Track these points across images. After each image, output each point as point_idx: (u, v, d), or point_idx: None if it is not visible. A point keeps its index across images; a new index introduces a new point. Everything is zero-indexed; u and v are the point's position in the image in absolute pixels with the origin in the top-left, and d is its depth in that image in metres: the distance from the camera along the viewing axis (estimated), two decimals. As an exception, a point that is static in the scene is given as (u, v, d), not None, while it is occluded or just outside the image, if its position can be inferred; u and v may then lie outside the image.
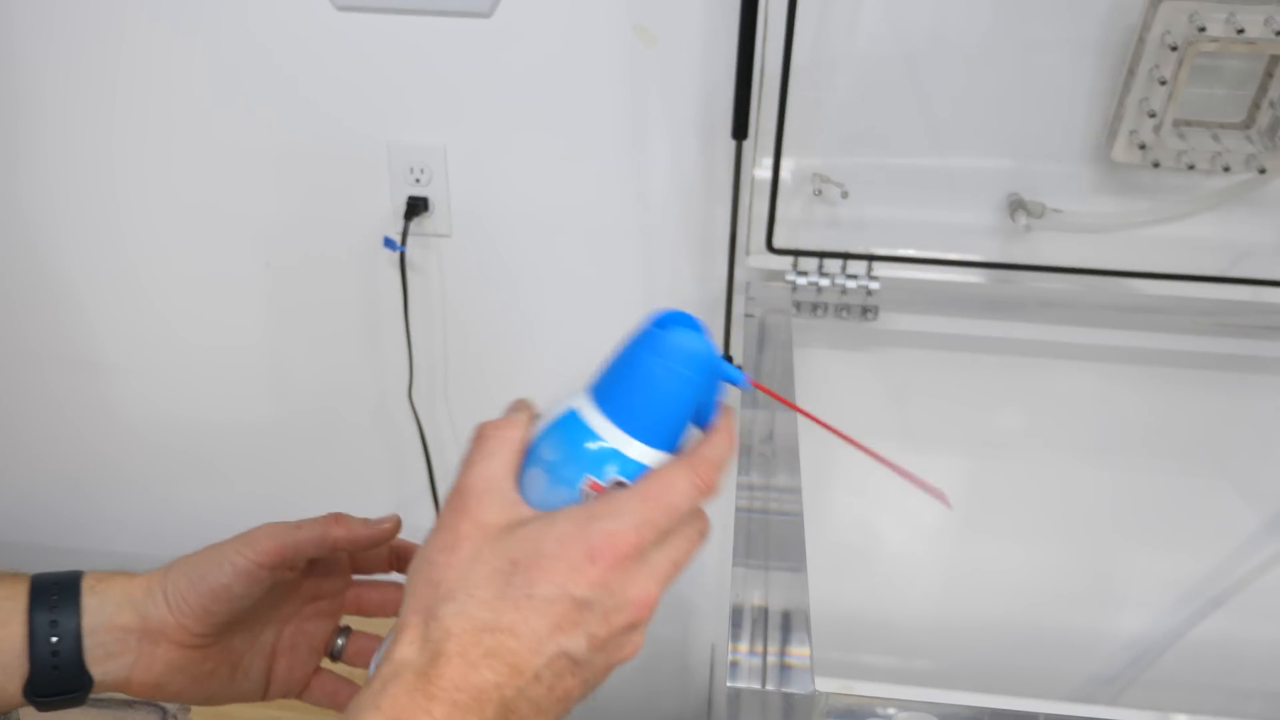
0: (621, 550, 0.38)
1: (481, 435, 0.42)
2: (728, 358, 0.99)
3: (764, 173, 0.89)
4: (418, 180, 0.99)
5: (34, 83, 1.00)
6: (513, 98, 0.94)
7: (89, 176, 1.05)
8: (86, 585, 0.50)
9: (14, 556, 1.37)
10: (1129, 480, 1.02)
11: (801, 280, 0.92)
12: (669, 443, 0.42)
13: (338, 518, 0.53)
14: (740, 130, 0.85)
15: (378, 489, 1.23)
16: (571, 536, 0.38)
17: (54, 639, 0.49)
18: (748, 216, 0.91)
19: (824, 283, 0.92)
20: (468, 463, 0.42)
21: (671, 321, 0.42)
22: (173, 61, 0.97)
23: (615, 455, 0.41)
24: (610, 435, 0.41)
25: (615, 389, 0.42)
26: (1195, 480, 1.01)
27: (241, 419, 1.19)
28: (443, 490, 1.17)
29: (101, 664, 0.50)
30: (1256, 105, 0.82)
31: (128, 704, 0.89)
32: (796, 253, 0.92)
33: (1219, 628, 1.04)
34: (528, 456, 0.42)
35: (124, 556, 1.33)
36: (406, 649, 0.38)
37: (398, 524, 0.54)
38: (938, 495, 0.45)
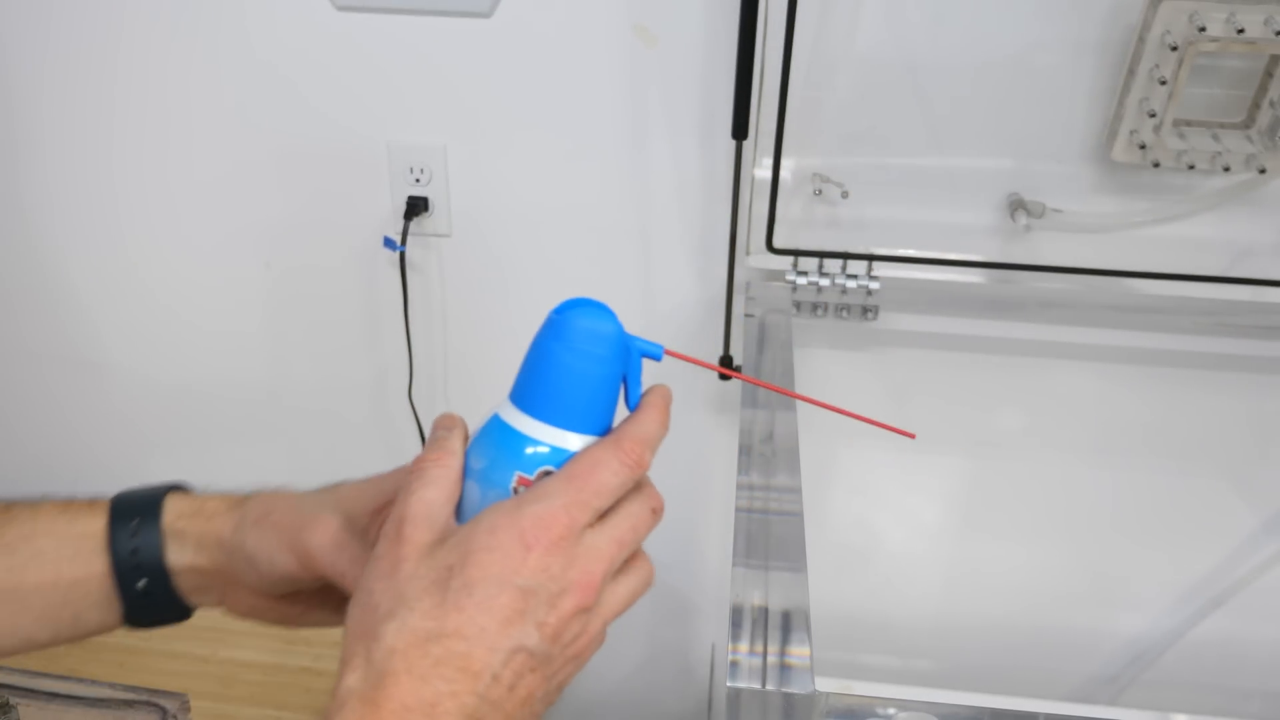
0: (555, 532, 0.37)
1: (418, 468, 0.41)
2: (728, 358, 0.99)
3: (764, 173, 0.89)
4: (418, 180, 0.99)
5: (33, 83, 1.00)
6: (513, 98, 0.94)
7: (89, 177, 1.05)
8: (168, 522, 0.50)
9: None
10: (1129, 480, 1.02)
11: (801, 280, 0.92)
12: (595, 427, 0.41)
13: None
14: (740, 130, 0.85)
15: (378, 489, 1.22)
16: (502, 526, 0.37)
17: (140, 583, 0.49)
18: (748, 216, 0.91)
19: (824, 283, 0.92)
20: (404, 493, 0.40)
21: (571, 306, 0.41)
22: (172, 62, 0.97)
23: (540, 446, 0.40)
24: (532, 429, 0.40)
25: (529, 384, 0.41)
26: (1195, 480, 1.01)
27: (241, 418, 1.19)
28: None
29: (192, 596, 0.50)
30: (1256, 105, 0.82)
31: (128, 704, 0.90)
32: (796, 253, 0.92)
33: (1219, 628, 1.04)
34: (465, 476, 0.41)
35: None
36: (350, 678, 0.36)
37: None
38: (903, 433, 0.46)
